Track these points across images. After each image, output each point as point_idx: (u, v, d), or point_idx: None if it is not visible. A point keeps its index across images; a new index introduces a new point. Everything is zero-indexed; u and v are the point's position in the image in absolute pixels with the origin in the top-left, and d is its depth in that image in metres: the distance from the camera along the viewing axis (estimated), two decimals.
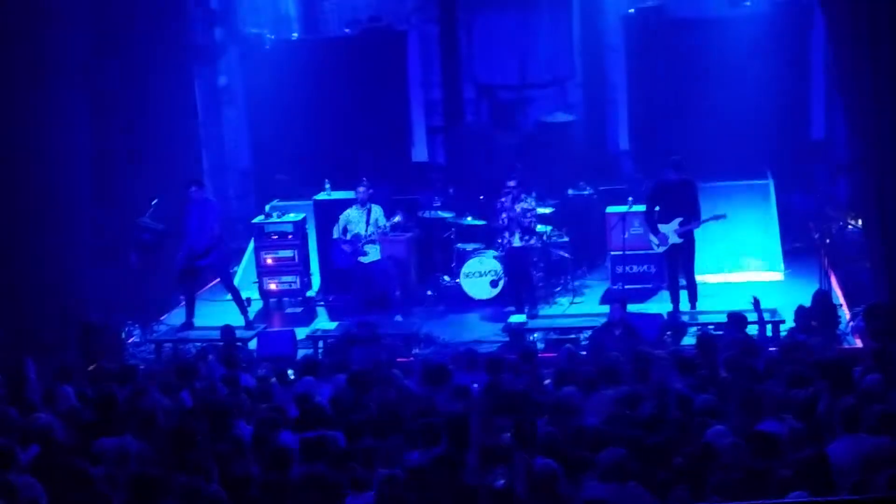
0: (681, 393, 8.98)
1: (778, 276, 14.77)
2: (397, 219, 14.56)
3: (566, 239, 14.92)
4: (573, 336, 12.85)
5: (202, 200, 13.98)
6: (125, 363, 11.99)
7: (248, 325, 13.91)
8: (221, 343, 12.44)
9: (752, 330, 11.64)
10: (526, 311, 13.74)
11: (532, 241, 13.98)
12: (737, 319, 11.44)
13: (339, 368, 10.60)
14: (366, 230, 14.02)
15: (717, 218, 13.47)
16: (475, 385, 9.80)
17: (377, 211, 14.11)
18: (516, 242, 13.84)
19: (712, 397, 8.85)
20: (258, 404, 9.67)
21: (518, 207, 13.75)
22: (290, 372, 10.88)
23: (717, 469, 7.46)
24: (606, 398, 9.21)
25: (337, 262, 14.48)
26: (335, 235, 14.24)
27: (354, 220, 14.11)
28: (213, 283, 15.10)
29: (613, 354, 10.44)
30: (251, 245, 15.70)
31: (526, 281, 14.04)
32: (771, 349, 10.81)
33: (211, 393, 9.97)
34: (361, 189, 14.16)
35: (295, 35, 18.00)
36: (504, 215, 13.82)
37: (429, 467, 7.64)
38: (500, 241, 14.09)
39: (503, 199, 13.85)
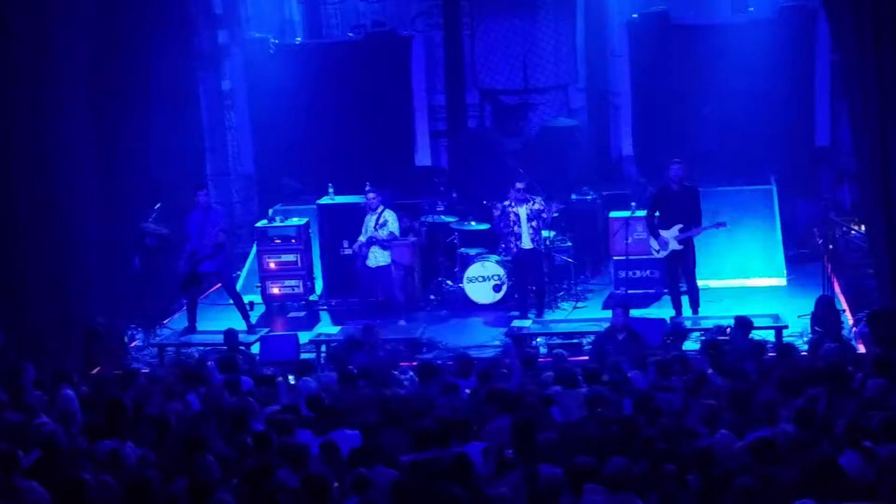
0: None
1: (781, 281, 14.77)
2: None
3: (569, 244, 14.93)
4: (576, 341, 12.84)
5: (206, 206, 13.99)
6: (128, 367, 12.00)
7: (251, 329, 13.91)
8: (224, 347, 12.46)
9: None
10: (532, 314, 13.73)
11: (542, 243, 13.90)
12: (742, 324, 11.41)
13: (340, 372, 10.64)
14: (371, 233, 14.03)
15: (717, 226, 13.49)
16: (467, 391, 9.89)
17: (386, 216, 14.08)
18: (527, 244, 13.80)
19: (709, 402, 8.89)
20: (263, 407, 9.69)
21: (525, 209, 13.70)
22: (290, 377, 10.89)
23: (722, 475, 7.47)
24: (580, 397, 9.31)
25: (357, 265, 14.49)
26: (361, 240, 14.24)
27: (369, 225, 14.14)
28: (215, 287, 15.10)
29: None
30: (254, 249, 15.72)
31: (538, 283, 14.00)
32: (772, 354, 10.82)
33: (219, 397, 9.98)
34: (371, 195, 14.17)
35: (299, 40, 18.01)
36: (513, 218, 13.78)
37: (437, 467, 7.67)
38: (509, 245, 14.03)
39: (509, 203, 13.81)
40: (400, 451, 8.31)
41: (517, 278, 14.17)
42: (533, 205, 13.75)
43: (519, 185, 13.79)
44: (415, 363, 11.74)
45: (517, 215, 13.76)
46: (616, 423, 8.45)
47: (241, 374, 10.82)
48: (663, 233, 13.31)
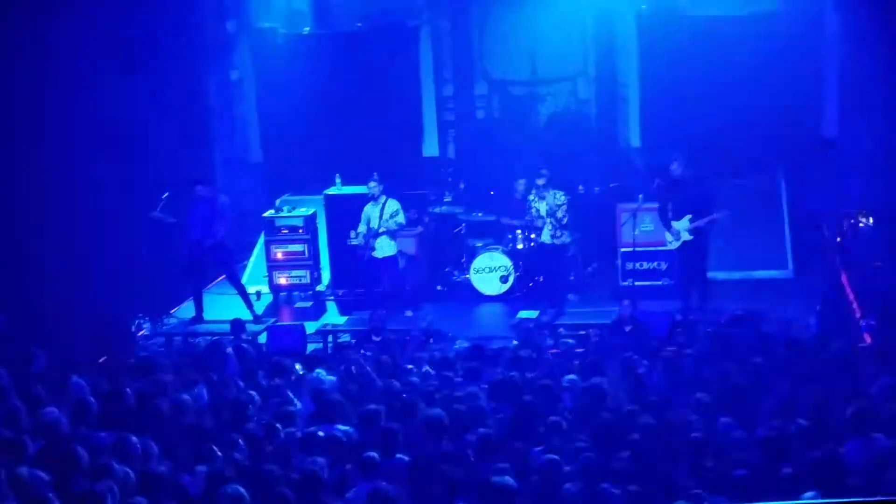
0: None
1: (788, 274, 14.73)
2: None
3: (576, 235, 14.90)
4: (583, 333, 12.82)
5: (211, 198, 13.96)
6: (138, 356, 12.01)
7: (256, 319, 13.92)
8: (233, 338, 12.45)
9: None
10: (550, 311, 13.66)
11: (563, 238, 13.84)
12: (749, 318, 11.41)
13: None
14: (378, 224, 13.98)
15: (720, 216, 13.42)
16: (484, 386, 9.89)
17: (391, 205, 14.02)
18: (546, 239, 13.72)
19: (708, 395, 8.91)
20: (270, 399, 9.69)
21: (545, 204, 13.62)
22: (298, 366, 10.87)
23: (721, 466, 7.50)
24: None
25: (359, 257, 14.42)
26: (360, 230, 14.16)
27: (373, 215, 14.07)
28: (221, 278, 15.11)
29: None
30: (261, 239, 15.73)
31: (559, 279, 13.94)
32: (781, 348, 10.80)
33: (227, 388, 9.97)
34: (373, 184, 14.13)
35: (307, 29, 17.98)
36: (533, 211, 13.71)
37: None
38: (527, 237, 13.98)
39: (533, 197, 13.72)
40: (412, 442, 8.35)
41: (543, 273, 14.08)
42: (554, 200, 13.66)
43: (539, 182, 13.67)
44: (423, 354, 11.76)
45: (538, 210, 13.68)
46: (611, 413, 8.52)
47: (258, 366, 10.84)
48: (674, 223, 13.32)
